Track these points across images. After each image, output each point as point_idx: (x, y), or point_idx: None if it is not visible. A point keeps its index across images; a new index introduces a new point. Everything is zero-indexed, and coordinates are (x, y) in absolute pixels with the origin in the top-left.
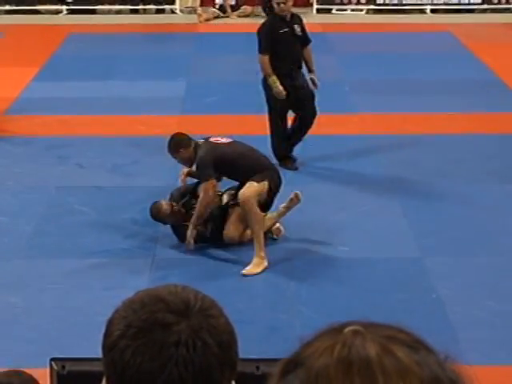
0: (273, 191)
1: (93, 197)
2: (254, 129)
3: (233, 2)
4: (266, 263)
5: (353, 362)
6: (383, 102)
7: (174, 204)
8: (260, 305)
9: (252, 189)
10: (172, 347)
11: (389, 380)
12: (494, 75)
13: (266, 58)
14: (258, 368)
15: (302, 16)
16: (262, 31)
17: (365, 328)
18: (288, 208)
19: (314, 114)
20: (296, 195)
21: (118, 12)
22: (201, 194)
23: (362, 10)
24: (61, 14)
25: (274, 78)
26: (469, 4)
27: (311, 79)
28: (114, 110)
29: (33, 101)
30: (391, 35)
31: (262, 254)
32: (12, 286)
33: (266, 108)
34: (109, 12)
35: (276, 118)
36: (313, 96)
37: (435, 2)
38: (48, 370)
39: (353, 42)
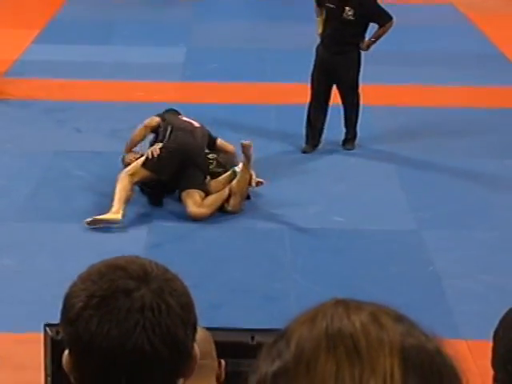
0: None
1: (90, 161)
2: (254, 97)
3: None
4: (118, 216)
5: (335, 332)
6: (383, 74)
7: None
8: (255, 274)
9: (190, 207)
10: (138, 312)
11: (372, 349)
12: (495, 48)
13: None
14: (252, 338)
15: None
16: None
17: (348, 301)
18: (247, 157)
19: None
20: (242, 145)
21: None
22: None
23: None
24: None
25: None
26: None
27: None
28: (114, 75)
29: (32, 63)
30: (392, 6)
31: (115, 208)
32: (7, 249)
33: (267, 76)
34: None
35: None
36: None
37: None
38: (42, 334)
39: None
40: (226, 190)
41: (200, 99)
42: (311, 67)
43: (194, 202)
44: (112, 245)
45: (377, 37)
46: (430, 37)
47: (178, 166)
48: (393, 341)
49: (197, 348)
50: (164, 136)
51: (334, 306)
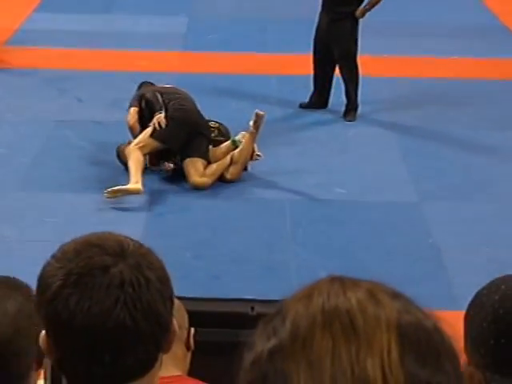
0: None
1: (91, 131)
2: (255, 67)
3: None
4: (139, 186)
5: (331, 308)
6: (384, 44)
7: None
8: (256, 245)
9: (191, 176)
10: (118, 288)
11: (369, 326)
12: (498, 20)
13: None
14: (252, 309)
15: None
16: None
17: (344, 278)
18: (256, 127)
19: None
20: (257, 114)
21: None
22: None
23: None
24: None
25: None
26: None
27: None
28: (115, 44)
29: (33, 32)
30: None
31: (135, 179)
32: (8, 219)
33: (269, 46)
34: None
35: None
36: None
37: None
38: None
39: None
40: (228, 159)
41: (201, 69)
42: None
43: (197, 170)
44: (113, 215)
45: (371, 4)
46: (432, 8)
47: (187, 133)
48: (390, 317)
49: (175, 321)
50: (160, 107)
51: (329, 283)
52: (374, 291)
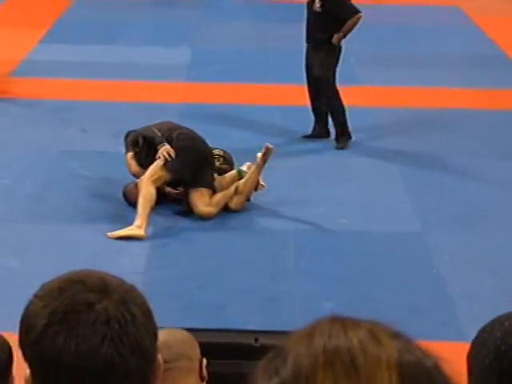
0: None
1: (95, 162)
2: (257, 98)
3: None
4: (142, 232)
5: (332, 348)
6: (389, 75)
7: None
8: (259, 275)
9: (197, 206)
10: (104, 324)
11: (370, 365)
12: (500, 51)
13: None
14: (256, 340)
15: None
16: None
17: (345, 318)
18: (264, 160)
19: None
20: (267, 147)
21: None
22: None
23: None
24: None
25: None
26: None
27: None
28: (119, 75)
29: (38, 63)
30: (399, 8)
31: (139, 222)
32: (12, 251)
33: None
34: None
35: None
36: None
37: None
38: None
39: None
40: (232, 189)
41: (204, 99)
42: None
43: (202, 200)
44: (117, 246)
45: (344, 30)
46: (436, 39)
47: (196, 161)
48: (390, 357)
49: (160, 356)
50: (161, 140)
51: (330, 323)
52: (375, 331)
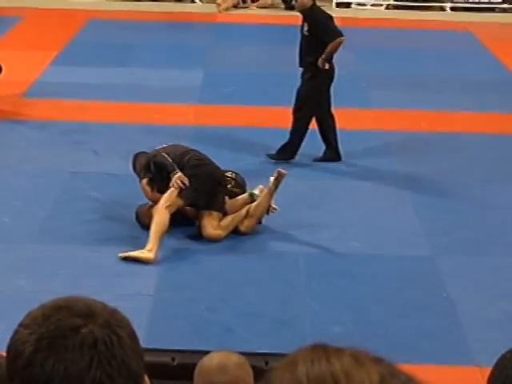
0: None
1: (106, 183)
2: (270, 121)
3: None
4: (151, 256)
5: (316, 373)
6: (400, 99)
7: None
8: (270, 298)
9: (205, 228)
10: (91, 347)
11: None
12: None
13: None
14: (266, 363)
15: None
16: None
17: (327, 346)
18: (276, 184)
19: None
20: (279, 172)
21: None
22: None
23: (381, 6)
24: None
25: None
26: (489, 3)
27: None
28: (131, 97)
29: (50, 85)
30: (410, 32)
31: (150, 247)
32: (23, 270)
33: (284, 100)
34: None
35: None
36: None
37: (455, 0)
38: None
39: (371, 37)
40: (244, 212)
41: (216, 122)
42: None
43: (211, 223)
44: (127, 267)
45: (326, 53)
46: (447, 63)
47: (209, 187)
48: (373, 381)
49: (146, 378)
50: (173, 167)
51: (312, 350)
52: (357, 356)
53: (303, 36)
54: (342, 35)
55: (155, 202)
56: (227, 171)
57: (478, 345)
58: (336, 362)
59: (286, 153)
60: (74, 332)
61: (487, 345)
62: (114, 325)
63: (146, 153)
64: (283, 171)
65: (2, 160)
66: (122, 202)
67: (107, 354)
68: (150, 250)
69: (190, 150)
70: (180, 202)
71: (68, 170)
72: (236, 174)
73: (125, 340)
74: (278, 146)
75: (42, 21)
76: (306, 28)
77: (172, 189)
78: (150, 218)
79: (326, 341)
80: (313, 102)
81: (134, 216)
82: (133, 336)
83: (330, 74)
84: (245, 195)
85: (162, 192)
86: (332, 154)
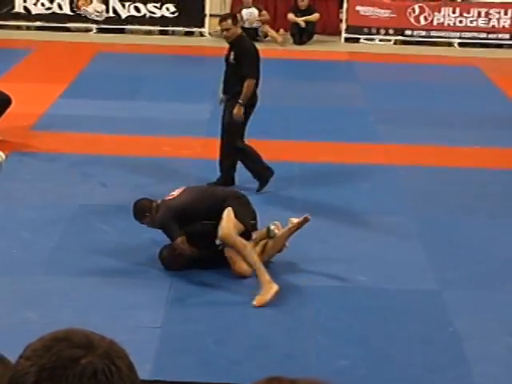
0: (240, 218)
1: (115, 216)
2: (278, 154)
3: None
4: (275, 286)
5: None
6: (408, 133)
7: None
8: (276, 331)
9: (224, 224)
10: (91, 377)
11: None
12: None
13: None
14: None
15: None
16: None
17: (282, 377)
18: (298, 227)
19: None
20: (305, 218)
21: (148, 33)
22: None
23: (390, 41)
24: (90, 33)
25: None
26: (497, 39)
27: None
28: (140, 130)
29: (59, 117)
30: (418, 67)
31: (267, 277)
32: (31, 302)
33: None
34: (138, 32)
35: None
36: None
37: (463, 36)
38: None
39: (379, 71)
40: (259, 248)
41: None
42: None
43: (229, 223)
44: (134, 299)
45: (243, 97)
46: (455, 98)
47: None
48: None
49: None
50: (215, 204)
51: (268, 382)
52: None
53: (229, 64)
54: (253, 77)
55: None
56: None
57: (482, 379)
58: None
59: (261, 180)
60: (74, 363)
61: (493, 380)
62: (113, 356)
63: (150, 201)
64: (309, 217)
65: (10, 192)
66: (130, 234)
67: None
68: (270, 282)
69: (185, 205)
70: (239, 225)
71: (76, 202)
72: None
73: (124, 371)
74: (285, 179)
75: (52, 54)
76: (232, 57)
77: (228, 214)
78: (179, 265)
79: (333, 375)
80: (238, 128)
81: (142, 247)
82: (131, 367)
83: (254, 102)
84: (262, 230)
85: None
86: (228, 179)
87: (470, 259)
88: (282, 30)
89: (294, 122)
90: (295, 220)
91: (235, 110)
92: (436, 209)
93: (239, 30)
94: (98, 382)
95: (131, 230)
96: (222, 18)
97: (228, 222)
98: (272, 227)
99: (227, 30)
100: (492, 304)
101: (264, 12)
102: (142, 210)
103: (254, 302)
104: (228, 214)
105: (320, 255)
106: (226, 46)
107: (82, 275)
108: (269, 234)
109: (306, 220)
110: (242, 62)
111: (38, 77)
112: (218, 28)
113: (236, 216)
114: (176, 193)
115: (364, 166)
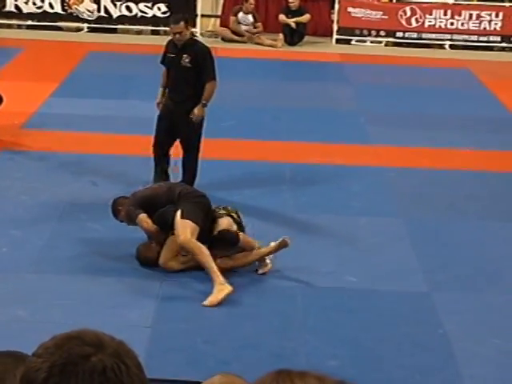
0: (193, 217)
1: (105, 215)
2: (268, 155)
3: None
4: (229, 287)
5: None
6: (398, 135)
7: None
8: (266, 331)
9: (180, 231)
10: (101, 374)
11: None
12: (509, 113)
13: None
14: None
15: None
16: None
17: (291, 370)
18: (276, 249)
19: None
20: (284, 241)
21: (139, 32)
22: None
23: (381, 43)
24: (82, 32)
25: (161, 89)
26: (488, 42)
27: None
28: (131, 129)
29: (50, 116)
30: (409, 68)
31: (221, 278)
32: (21, 300)
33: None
34: (129, 32)
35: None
36: (191, 134)
37: (454, 38)
38: None
39: (370, 73)
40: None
41: (215, 155)
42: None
43: (185, 229)
44: (124, 298)
45: (206, 98)
46: (446, 100)
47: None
48: None
49: None
50: (164, 202)
51: (277, 374)
52: (321, 378)
53: (181, 68)
54: (216, 79)
55: (154, 235)
56: (226, 207)
57: (472, 381)
58: (300, 383)
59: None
60: (84, 360)
61: (482, 382)
62: (123, 355)
63: (125, 197)
64: (288, 240)
65: (0, 190)
66: (119, 233)
67: (116, 381)
68: (222, 283)
69: (173, 186)
70: (197, 229)
71: (66, 200)
72: (236, 211)
73: (132, 369)
74: (275, 180)
75: (43, 53)
76: (187, 60)
77: (179, 219)
78: (154, 253)
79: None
80: (199, 132)
81: (131, 246)
82: (139, 367)
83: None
84: (254, 241)
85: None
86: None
87: (459, 261)
88: (280, 35)
89: (285, 123)
90: (273, 244)
91: (197, 111)
92: (426, 210)
93: (189, 31)
94: (107, 379)
95: (121, 229)
96: (175, 21)
97: (184, 228)
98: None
99: (180, 33)
100: (481, 306)
101: (259, 24)
102: (116, 206)
103: (205, 302)
104: (178, 219)
105: (310, 256)
106: (218, 45)
107: (72, 273)
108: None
109: (284, 243)
110: (202, 65)
111: (29, 75)
112: (210, 28)
113: (188, 216)
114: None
115: (354, 168)
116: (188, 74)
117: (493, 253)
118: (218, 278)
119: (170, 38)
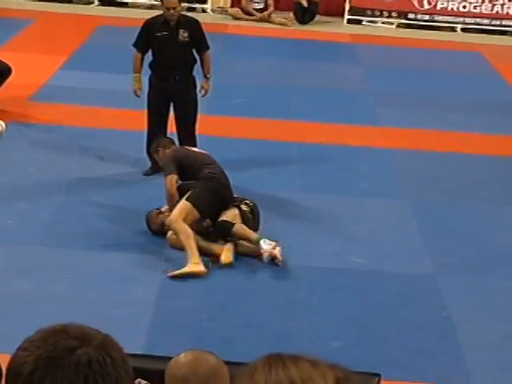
0: (199, 205)
1: (112, 189)
2: (276, 134)
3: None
4: (202, 268)
5: (273, 378)
6: (407, 117)
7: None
8: (270, 311)
9: (175, 211)
10: (86, 366)
11: None
12: None
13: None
14: None
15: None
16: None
17: (283, 354)
18: (267, 257)
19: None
20: (276, 256)
21: (150, 7)
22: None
23: (392, 24)
24: (92, 5)
25: (136, 75)
26: (500, 26)
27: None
28: (139, 104)
29: (59, 89)
30: (420, 51)
31: (196, 259)
32: (26, 272)
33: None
34: (140, 6)
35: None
36: (191, 109)
37: (466, 21)
38: None
39: (381, 54)
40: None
41: (224, 133)
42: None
43: (181, 211)
44: (130, 273)
45: (208, 71)
46: (455, 83)
47: (218, 206)
48: (329, 383)
49: None
50: (193, 174)
51: (269, 357)
52: (314, 361)
53: (178, 44)
54: (209, 47)
55: (172, 200)
56: (245, 199)
57: (475, 365)
58: (292, 366)
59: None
60: (69, 353)
61: (485, 365)
62: (108, 347)
63: (172, 143)
64: (280, 258)
65: (7, 161)
66: (126, 208)
67: (101, 373)
68: (197, 263)
69: (215, 164)
70: (193, 213)
71: (73, 174)
72: (254, 203)
73: (118, 361)
74: (283, 159)
75: (53, 25)
76: (185, 34)
77: (183, 199)
78: (157, 224)
79: (325, 355)
80: (197, 105)
81: (138, 222)
82: (125, 359)
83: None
84: (253, 234)
85: (181, 194)
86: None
87: (466, 244)
88: (291, 14)
89: (294, 102)
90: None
91: (206, 85)
92: (434, 193)
93: (181, 8)
94: (93, 372)
95: (128, 204)
96: None
97: (180, 211)
98: (262, 240)
99: (174, 8)
100: (487, 290)
101: (270, 2)
102: (158, 144)
103: (169, 273)
104: (183, 200)
105: (316, 236)
106: (229, 22)
107: (77, 248)
108: (257, 242)
109: (276, 255)
110: (198, 38)
111: (38, 47)
112: (221, 4)
113: (193, 200)
114: (195, 149)
115: (363, 149)
116: (186, 49)
117: (499, 237)
118: (194, 256)
119: (148, 18)
